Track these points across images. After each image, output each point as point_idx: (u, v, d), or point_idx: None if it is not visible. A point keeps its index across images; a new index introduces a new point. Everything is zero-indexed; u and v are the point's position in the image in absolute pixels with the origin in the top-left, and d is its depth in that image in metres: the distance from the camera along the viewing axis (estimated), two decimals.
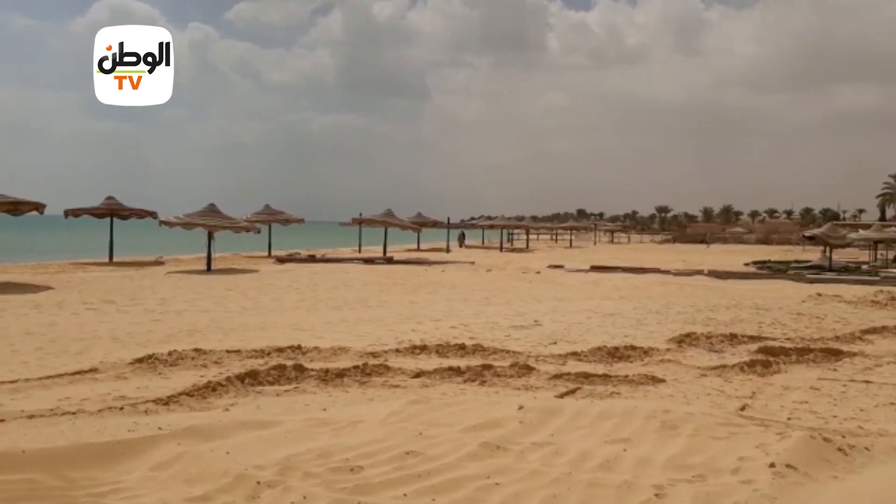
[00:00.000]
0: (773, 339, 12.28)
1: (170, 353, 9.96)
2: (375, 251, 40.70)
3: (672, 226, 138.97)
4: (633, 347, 11.20)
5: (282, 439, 5.64)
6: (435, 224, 56.42)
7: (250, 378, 8.53)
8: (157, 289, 20.56)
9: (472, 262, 35.21)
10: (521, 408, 6.49)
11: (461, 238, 59.40)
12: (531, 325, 13.89)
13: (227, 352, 10.29)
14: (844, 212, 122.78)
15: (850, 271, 33.04)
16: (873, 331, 13.45)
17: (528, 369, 9.38)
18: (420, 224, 49.51)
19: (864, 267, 36.17)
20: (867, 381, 9.13)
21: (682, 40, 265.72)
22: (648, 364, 10.17)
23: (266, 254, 38.17)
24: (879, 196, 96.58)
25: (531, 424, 5.98)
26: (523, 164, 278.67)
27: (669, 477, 4.76)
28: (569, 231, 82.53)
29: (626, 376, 9.13)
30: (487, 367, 9.39)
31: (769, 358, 10.43)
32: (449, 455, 5.13)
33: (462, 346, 11.00)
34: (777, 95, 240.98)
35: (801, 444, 5.31)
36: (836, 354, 10.92)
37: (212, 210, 30.26)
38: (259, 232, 33.86)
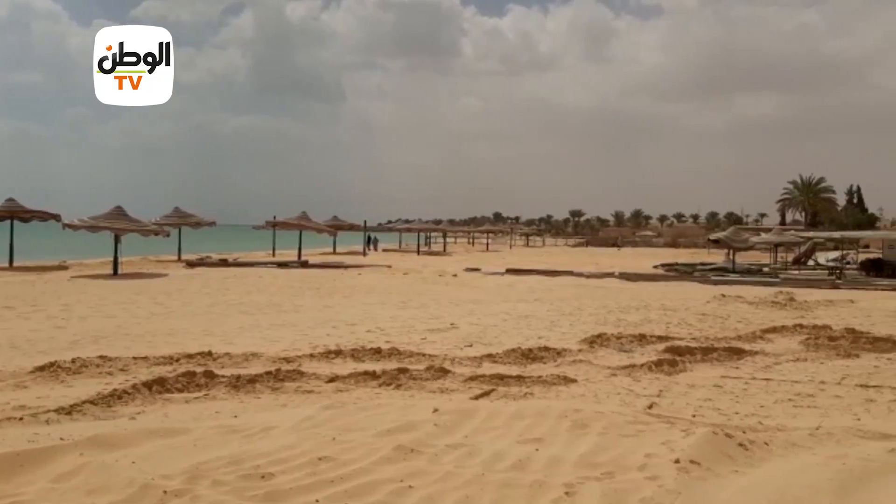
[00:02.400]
0: (680, 339, 12.70)
1: (73, 361, 9.58)
2: (290, 255, 40.11)
3: (585, 229, 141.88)
4: (546, 348, 11.39)
5: (190, 447, 5.49)
6: (351, 227, 55.99)
7: (158, 385, 8.29)
8: (61, 294, 19.76)
9: (389, 266, 35.15)
10: (435, 410, 6.50)
11: (369, 242, 57.77)
12: (447, 328, 13.96)
13: (134, 359, 9.98)
14: (747, 216, 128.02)
15: (752, 273, 34.48)
16: (773, 330, 14.05)
17: (444, 372, 9.42)
18: (336, 227, 49.06)
19: (766, 269, 37.83)
20: (767, 379, 9.54)
21: (592, 48, 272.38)
22: (561, 365, 10.36)
23: (176, 258, 37.18)
24: (780, 201, 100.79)
25: (446, 427, 6.00)
26: (440, 167, 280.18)
27: (579, 475, 4.85)
28: (485, 234, 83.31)
29: (540, 377, 9.27)
30: (403, 370, 9.39)
31: (676, 357, 10.77)
32: (362, 459, 5.10)
33: (378, 350, 10.95)
34: (682, 103, 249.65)
35: (704, 440, 5.50)
36: (738, 353, 11.36)
37: (118, 212, 29.30)
38: (168, 235, 33.00)
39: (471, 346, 11.91)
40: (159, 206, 49.49)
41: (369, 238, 56.92)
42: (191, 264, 33.64)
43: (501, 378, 9.13)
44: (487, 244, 76.30)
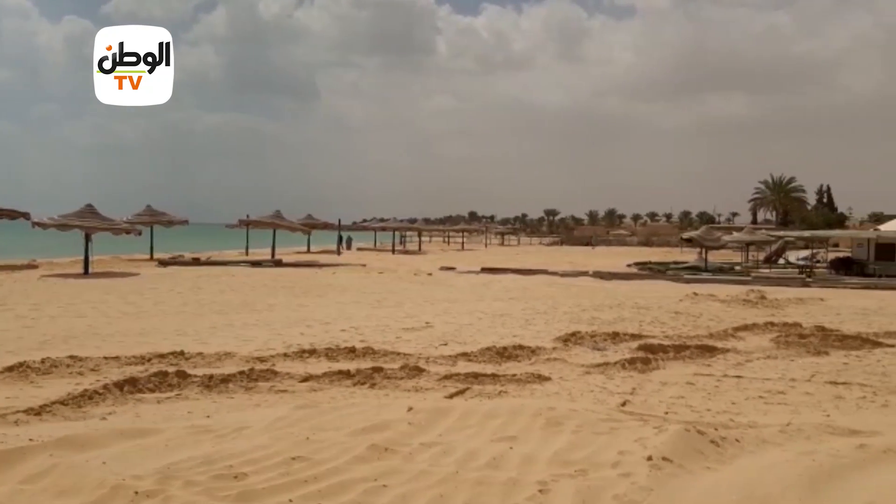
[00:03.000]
0: (653, 337, 12.80)
1: (43, 361, 9.46)
2: (263, 254, 39.87)
3: (560, 228, 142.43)
4: (521, 347, 11.42)
5: (162, 448, 5.44)
6: (326, 226, 55.71)
7: (129, 385, 8.21)
8: (30, 293, 19.48)
9: (364, 265, 35.05)
10: (410, 409, 6.50)
11: (341, 241, 56.97)
12: (422, 327, 13.96)
13: (105, 358, 9.87)
14: (719, 215, 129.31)
15: (724, 272, 34.82)
16: (744, 328, 14.21)
17: (419, 371, 9.42)
18: (310, 226, 48.78)
19: (737, 268, 38.24)
20: (738, 376, 9.64)
21: (566, 48, 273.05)
22: (536, 363, 10.40)
23: (148, 257, 36.78)
24: (751, 200, 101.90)
25: (420, 425, 5.99)
26: (415, 166, 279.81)
27: (553, 472, 4.87)
28: (460, 233, 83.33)
29: (514, 375, 9.30)
30: (378, 369, 9.37)
31: (649, 355, 10.86)
32: (336, 459, 5.08)
33: (352, 350, 10.92)
34: (655, 103, 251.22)
35: (676, 437, 5.54)
36: (710, 351, 11.47)
37: (89, 211, 28.93)
38: (140, 234, 32.62)
39: (446, 344, 11.92)
40: (131, 205, 49.00)
41: (341, 237, 56.35)
42: (163, 263, 33.30)
43: (476, 376, 9.15)
44: (462, 243, 76.35)
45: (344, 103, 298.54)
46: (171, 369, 9.01)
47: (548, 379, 9.22)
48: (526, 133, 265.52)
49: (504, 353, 10.93)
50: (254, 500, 4.44)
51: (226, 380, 8.66)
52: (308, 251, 48.84)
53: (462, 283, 25.68)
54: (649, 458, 5.04)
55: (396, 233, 62.52)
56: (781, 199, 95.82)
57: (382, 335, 12.82)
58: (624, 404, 7.77)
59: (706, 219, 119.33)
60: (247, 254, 42.43)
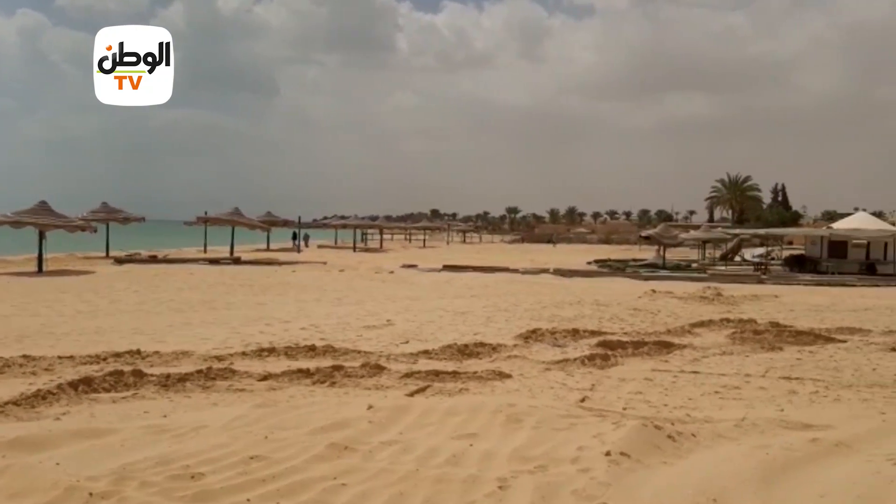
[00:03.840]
0: (612, 334, 12.94)
1: None
2: (222, 251, 39.42)
3: (521, 226, 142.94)
4: (482, 344, 11.46)
5: (118, 448, 5.35)
6: (285, 223, 55.27)
7: (84, 385, 8.05)
8: None
9: (325, 263, 34.86)
10: (370, 407, 6.48)
11: (295, 238, 56.12)
12: (383, 325, 13.92)
13: (60, 358, 9.68)
14: (677, 213, 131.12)
15: (681, 269, 35.31)
16: (701, 324, 14.42)
17: (380, 369, 9.39)
18: (269, 223, 48.41)
19: (694, 265, 38.80)
20: (695, 372, 9.78)
21: (527, 46, 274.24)
22: (496, 360, 10.43)
23: (104, 254, 36.16)
24: (708, 199, 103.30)
25: (380, 424, 5.98)
26: (376, 163, 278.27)
27: (513, 469, 4.90)
28: (422, 231, 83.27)
29: (475, 372, 9.33)
30: (338, 367, 9.32)
31: (608, 351, 10.96)
32: (295, 458, 5.04)
33: (312, 348, 10.85)
34: (615, 102, 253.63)
35: (634, 432, 5.61)
36: (667, 347, 11.62)
37: (43, 208, 28.29)
38: (95, 231, 32.02)
39: (407, 342, 11.90)
40: (86, 202, 48.11)
41: (296, 234, 55.45)
42: (119, 261, 32.78)
43: (437, 374, 9.15)
44: (424, 241, 76.29)
45: (304, 100, 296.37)
46: (128, 368, 8.87)
47: (508, 376, 9.26)
48: (488, 131, 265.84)
49: (465, 351, 10.95)
50: (211, 500, 4.39)
51: (183, 379, 8.55)
52: (268, 249, 48.40)
53: (423, 281, 25.67)
54: (608, 454, 5.09)
55: (357, 230, 62.27)
56: (737, 198, 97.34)
57: (343, 333, 12.77)
58: (583, 400, 7.83)
59: (664, 217, 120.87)
60: (205, 251, 41.89)
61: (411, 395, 8.02)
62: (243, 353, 10.50)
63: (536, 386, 8.77)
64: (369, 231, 70.38)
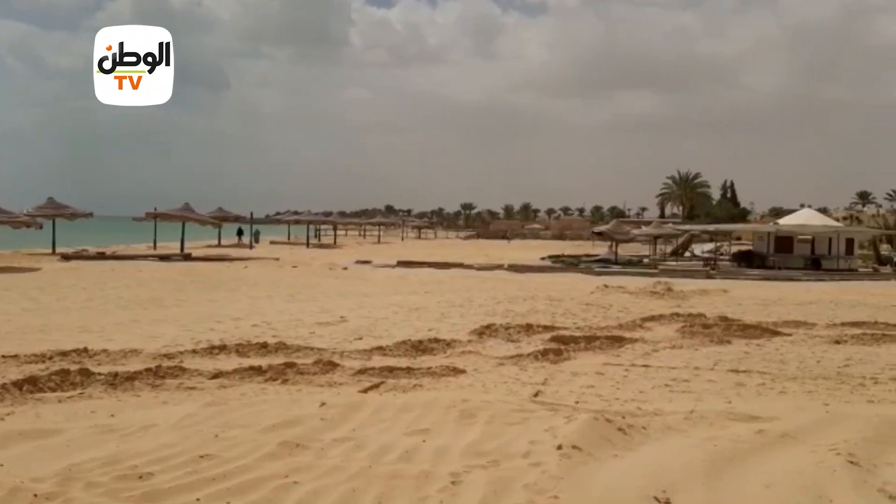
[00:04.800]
0: (565, 329, 13.05)
1: None
2: (172, 248, 38.77)
3: (476, 222, 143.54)
4: (436, 340, 11.46)
5: (63, 448, 5.24)
6: (237, 219, 54.56)
7: (29, 384, 7.87)
8: None
9: (277, 259, 34.54)
10: (323, 405, 6.43)
11: (242, 233, 54.42)
12: (337, 322, 13.83)
13: (3, 357, 9.44)
14: (629, 210, 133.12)
15: (633, 264, 35.81)
16: (652, 319, 14.64)
17: (333, 366, 9.33)
18: (221, 219, 47.72)
19: (646, 260, 39.39)
20: (646, 365, 9.92)
21: (480, 43, 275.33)
22: (451, 356, 10.45)
23: (50, 251, 35.25)
24: (659, 195, 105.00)
25: (333, 421, 5.94)
26: (329, 158, 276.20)
27: (466, 464, 4.90)
28: (377, 227, 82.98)
29: (429, 368, 9.32)
30: (290, 365, 9.24)
31: (561, 346, 11.06)
32: (246, 456, 4.98)
33: (264, 345, 10.74)
34: (568, 99, 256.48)
35: (585, 426, 5.66)
36: (619, 341, 11.77)
37: None
38: (41, 227, 31.33)
39: (360, 339, 11.84)
40: (31, 197, 46.85)
41: (240, 230, 54.32)
42: (66, 258, 31.97)
43: (391, 370, 9.13)
44: (379, 237, 76.05)
45: (255, 94, 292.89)
46: (74, 367, 8.68)
47: (462, 371, 9.27)
48: (442, 127, 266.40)
49: (419, 347, 10.94)
50: (159, 499, 4.32)
51: (132, 377, 8.39)
52: (219, 245, 47.77)
53: (378, 277, 25.60)
54: (559, 447, 5.13)
55: (311, 226, 61.80)
56: (688, 195, 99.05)
57: (295, 330, 12.65)
58: (536, 395, 7.89)
59: (617, 213, 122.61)
60: (155, 248, 41.13)
61: (364, 391, 7.98)
62: (194, 351, 10.34)
63: (490, 381, 8.80)
64: (323, 227, 69.93)
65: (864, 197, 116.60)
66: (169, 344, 10.95)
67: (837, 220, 59.51)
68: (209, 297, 18.39)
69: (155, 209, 41.87)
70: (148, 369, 8.78)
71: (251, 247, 47.88)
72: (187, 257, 33.82)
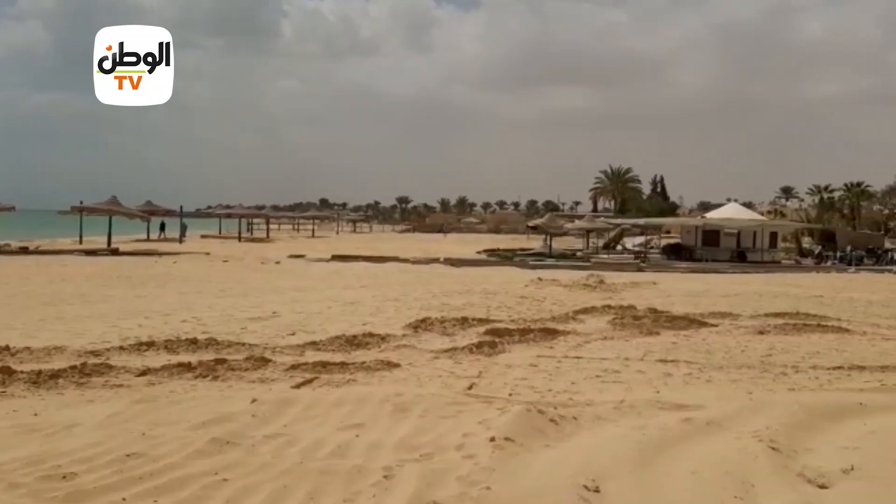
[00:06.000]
0: (500, 322, 13.15)
1: None
2: (99, 242, 37.68)
3: (412, 216, 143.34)
4: (371, 334, 11.40)
5: None
6: (167, 213, 53.35)
7: None
8: None
9: (208, 253, 33.89)
10: (254, 401, 6.36)
11: (163, 229, 52.85)
12: (269, 317, 13.65)
13: None
14: (563, 204, 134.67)
15: (566, 258, 36.35)
16: (584, 311, 14.85)
17: (265, 361, 9.20)
18: (150, 213, 46.62)
19: (579, 254, 39.98)
20: (578, 357, 10.07)
21: (413, 36, 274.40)
22: (385, 350, 10.41)
23: None
24: (592, 189, 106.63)
25: (264, 417, 5.88)
26: (262, 151, 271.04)
27: (399, 458, 4.91)
28: (311, 221, 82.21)
29: (364, 363, 9.27)
30: (221, 361, 9.08)
31: (495, 339, 11.14)
32: (174, 454, 4.89)
33: (194, 341, 10.52)
34: (500, 93, 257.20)
35: (518, 417, 5.73)
36: (552, 333, 11.91)
37: None
38: None
39: (293, 334, 11.71)
40: None
41: (163, 224, 52.95)
42: None
43: (324, 365, 9.05)
44: (313, 230, 75.36)
45: (185, 85, 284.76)
46: None
47: (397, 365, 9.25)
48: (376, 120, 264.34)
49: (354, 342, 10.87)
50: (83, 500, 4.23)
51: (55, 375, 8.12)
52: (148, 239, 46.62)
53: (312, 272, 25.36)
54: (492, 439, 5.18)
55: (243, 220, 60.86)
56: (619, 189, 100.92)
57: (227, 326, 12.43)
58: (470, 388, 7.93)
59: (551, 207, 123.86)
60: (80, 242, 39.85)
61: (297, 387, 7.90)
62: (121, 348, 10.07)
63: (424, 375, 8.81)
64: (255, 221, 68.89)
65: (787, 192, 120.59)
66: (95, 341, 10.63)
67: (762, 213, 61.58)
68: (137, 292, 17.93)
69: (81, 203, 40.62)
70: (73, 367, 8.50)
71: (181, 241, 46.86)
72: (114, 252, 32.93)
